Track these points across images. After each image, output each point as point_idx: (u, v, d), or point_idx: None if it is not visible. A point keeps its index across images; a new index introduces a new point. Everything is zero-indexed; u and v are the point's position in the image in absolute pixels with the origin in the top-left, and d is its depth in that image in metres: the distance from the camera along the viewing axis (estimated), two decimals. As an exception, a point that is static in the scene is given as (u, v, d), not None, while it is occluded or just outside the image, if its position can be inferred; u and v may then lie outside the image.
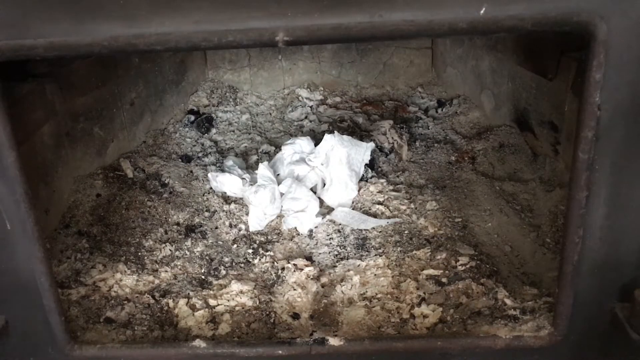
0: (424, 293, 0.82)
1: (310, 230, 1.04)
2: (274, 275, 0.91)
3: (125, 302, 0.83)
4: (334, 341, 0.71)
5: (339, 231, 1.02)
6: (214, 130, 1.52)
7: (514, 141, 1.25)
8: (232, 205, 1.11)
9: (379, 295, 0.83)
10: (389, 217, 1.05)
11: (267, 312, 0.81)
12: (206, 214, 1.09)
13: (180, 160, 1.32)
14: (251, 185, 1.11)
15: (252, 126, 1.58)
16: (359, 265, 0.91)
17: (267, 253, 0.97)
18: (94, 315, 0.80)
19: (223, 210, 1.10)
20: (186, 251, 0.97)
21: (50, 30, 0.55)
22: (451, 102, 1.59)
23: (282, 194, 1.09)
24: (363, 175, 1.18)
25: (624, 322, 0.63)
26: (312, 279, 0.88)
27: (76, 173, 1.07)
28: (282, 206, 1.08)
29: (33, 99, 0.93)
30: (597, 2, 0.52)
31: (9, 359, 0.72)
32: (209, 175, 1.19)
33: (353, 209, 1.09)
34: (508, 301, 0.78)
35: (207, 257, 0.96)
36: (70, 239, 0.95)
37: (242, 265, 0.94)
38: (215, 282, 0.89)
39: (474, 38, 1.46)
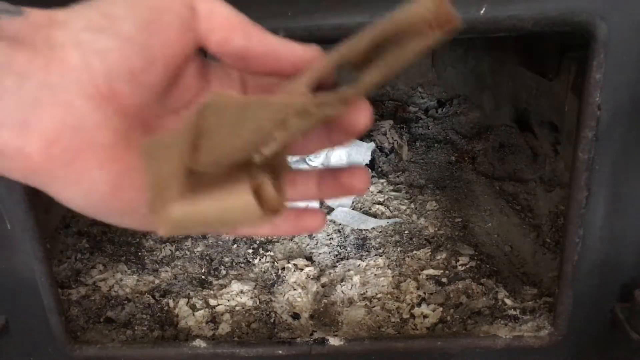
0: (424, 293, 0.82)
1: (310, 230, 1.03)
2: (274, 275, 0.91)
3: (126, 302, 0.83)
4: (334, 341, 0.71)
5: (339, 231, 1.03)
6: (214, 130, 1.52)
7: (514, 141, 1.25)
8: (232, 205, 1.11)
9: (379, 295, 0.83)
10: (389, 217, 1.05)
11: (267, 312, 0.81)
12: (206, 214, 1.09)
13: (180, 160, 1.32)
14: (251, 185, 1.11)
15: (252, 126, 1.58)
16: (359, 265, 0.91)
17: (267, 253, 0.97)
18: (94, 315, 0.80)
19: (223, 210, 1.10)
20: (186, 251, 0.97)
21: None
22: (451, 102, 1.59)
23: (282, 194, 1.09)
24: (363, 175, 1.17)
25: (624, 322, 0.63)
26: (312, 279, 0.88)
27: (76, 173, 1.07)
28: (282, 206, 1.08)
29: (33, 99, 0.92)
30: (597, 2, 0.52)
31: (9, 358, 0.72)
32: (209, 175, 1.19)
33: (353, 209, 1.09)
34: (508, 301, 0.78)
35: (207, 257, 0.96)
36: (70, 239, 0.95)
37: (242, 265, 0.95)
38: (215, 282, 0.89)
39: (473, 38, 1.46)
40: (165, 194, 0.24)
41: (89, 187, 0.25)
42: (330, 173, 0.32)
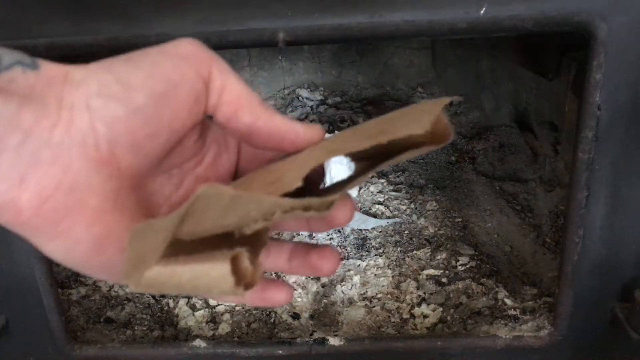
0: (424, 293, 0.82)
1: (310, 230, 1.04)
2: (274, 275, 0.91)
3: (126, 302, 0.83)
4: (334, 341, 0.71)
5: (339, 231, 1.03)
6: (214, 130, 1.52)
7: (514, 141, 1.25)
8: (232, 205, 1.11)
9: (379, 295, 0.83)
10: (389, 217, 1.05)
11: (267, 312, 0.81)
12: (206, 214, 1.09)
13: (180, 160, 1.32)
14: (251, 185, 1.11)
15: (252, 126, 1.58)
16: (359, 265, 0.91)
17: (267, 253, 0.97)
18: (94, 315, 0.80)
19: (223, 210, 1.10)
20: (186, 251, 0.97)
21: (51, 30, 0.55)
22: (451, 102, 1.59)
23: (282, 194, 1.09)
24: (363, 175, 1.17)
25: (624, 322, 0.63)
26: (312, 279, 0.88)
27: (76, 173, 1.07)
28: (282, 206, 1.08)
29: (33, 99, 0.92)
30: (597, 2, 0.52)
31: (9, 358, 0.72)
32: (209, 175, 1.19)
33: (353, 209, 1.08)
34: (508, 301, 0.78)
35: (207, 257, 0.97)
36: (70, 239, 0.95)
37: (242, 265, 0.95)
38: (215, 282, 0.89)
39: (474, 38, 1.46)
40: (143, 266, 0.25)
41: (72, 244, 0.26)
42: (302, 250, 0.32)
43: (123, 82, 0.25)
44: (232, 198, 0.24)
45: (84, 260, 0.27)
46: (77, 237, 0.25)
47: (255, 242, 0.28)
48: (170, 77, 0.26)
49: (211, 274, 0.24)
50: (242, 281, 0.25)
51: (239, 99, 0.29)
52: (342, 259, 0.94)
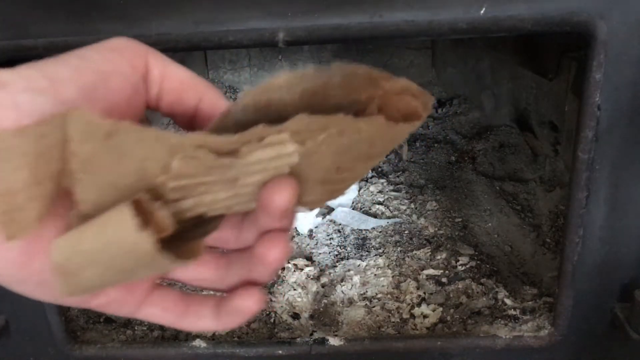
0: (424, 293, 0.82)
1: (310, 230, 1.04)
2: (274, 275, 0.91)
3: (125, 302, 0.83)
4: (334, 341, 0.71)
5: (339, 231, 1.03)
6: (214, 130, 1.52)
7: (514, 141, 1.25)
8: (232, 205, 1.11)
9: (379, 295, 0.83)
10: (389, 217, 1.05)
11: (267, 312, 0.81)
12: (206, 214, 1.09)
13: (180, 160, 1.32)
14: (251, 185, 1.11)
15: (252, 126, 1.58)
16: (359, 265, 0.91)
17: (267, 253, 0.97)
18: (94, 315, 0.80)
19: (223, 210, 1.10)
20: (186, 251, 0.97)
21: (50, 30, 0.55)
22: (451, 102, 1.59)
23: (282, 194, 1.09)
24: (363, 175, 1.17)
25: (624, 322, 0.63)
26: (312, 279, 0.88)
27: (76, 173, 1.07)
28: (282, 206, 1.07)
29: (33, 99, 0.92)
30: (597, 2, 0.52)
31: (9, 358, 0.72)
32: (209, 175, 1.18)
33: (353, 209, 1.09)
34: (508, 301, 0.78)
35: (207, 257, 0.96)
36: (70, 239, 0.95)
37: (242, 265, 0.94)
38: (215, 282, 0.89)
39: (474, 38, 1.46)
40: (21, 216, 0.22)
41: (0, 252, 0.25)
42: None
43: (50, 77, 0.24)
44: (110, 132, 0.22)
45: (14, 271, 0.25)
46: (3, 243, 0.24)
47: (202, 227, 0.26)
48: (100, 69, 0.25)
49: (112, 219, 0.22)
50: (154, 228, 0.23)
51: (182, 84, 0.28)
52: (341, 259, 0.94)
